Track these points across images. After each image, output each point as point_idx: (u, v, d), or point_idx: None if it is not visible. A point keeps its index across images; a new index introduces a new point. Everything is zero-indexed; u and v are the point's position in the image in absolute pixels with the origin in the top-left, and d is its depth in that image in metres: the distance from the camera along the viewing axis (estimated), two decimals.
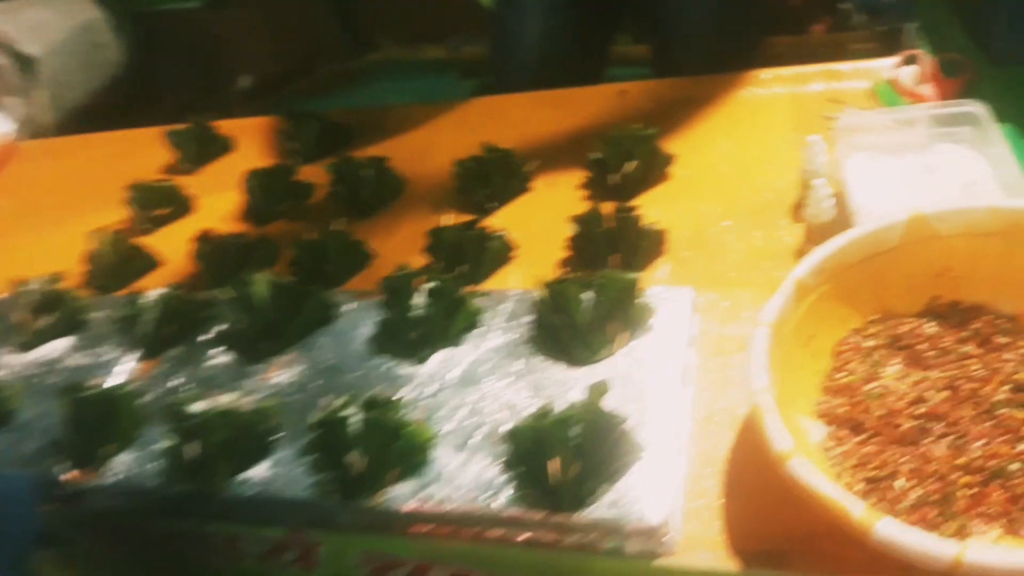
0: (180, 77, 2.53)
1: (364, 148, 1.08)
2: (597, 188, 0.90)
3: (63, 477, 0.73)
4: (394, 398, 0.66)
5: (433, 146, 1.05)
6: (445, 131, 1.07)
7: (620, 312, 0.68)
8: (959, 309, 0.62)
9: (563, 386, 0.66)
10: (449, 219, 0.86)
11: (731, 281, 0.74)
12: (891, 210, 0.70)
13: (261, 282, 0.78)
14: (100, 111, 2.34)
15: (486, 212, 0.92)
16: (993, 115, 0.74)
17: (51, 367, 0.84)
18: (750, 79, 0.98)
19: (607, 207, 0.85)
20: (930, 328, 0.62)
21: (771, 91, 0.96)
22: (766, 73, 0.97)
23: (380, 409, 0.63)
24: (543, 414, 0.59)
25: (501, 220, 0.90)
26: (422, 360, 0.72)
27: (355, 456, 0.62)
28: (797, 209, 0.79)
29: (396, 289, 0.74)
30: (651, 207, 0.85)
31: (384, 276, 0.75)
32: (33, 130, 2.10)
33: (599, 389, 0.60)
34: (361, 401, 0.64)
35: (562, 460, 0.57)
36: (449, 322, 0.73)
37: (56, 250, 1.06)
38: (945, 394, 0.57)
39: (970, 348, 0.59)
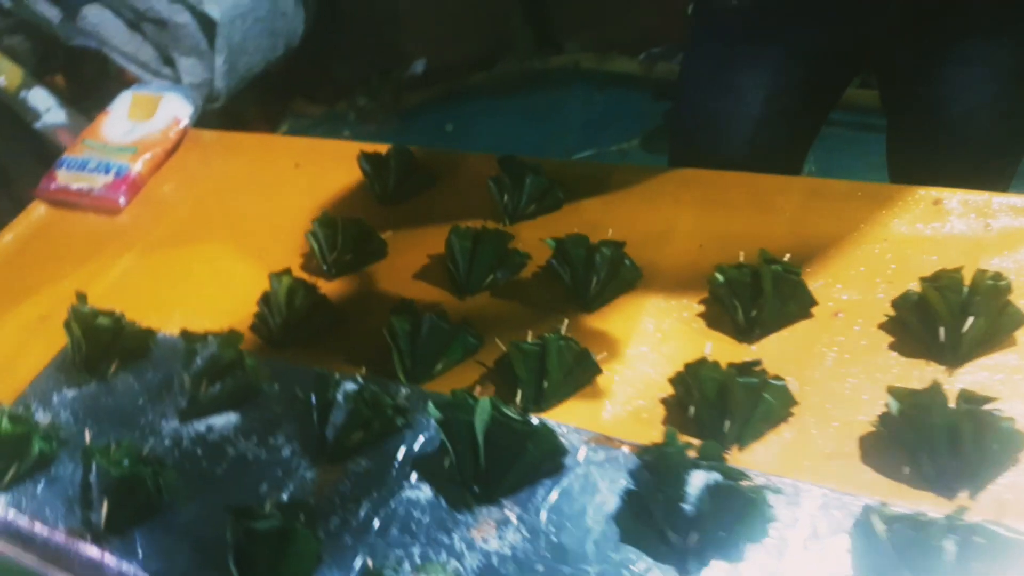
0: (354, 54, 2.43)
1: (580, 212, 0.90)
2: (910, 337, 0.69)
3: None
4: None
5: (671, 228, 0.86)
6: (686, 209, 0.88)
7: None
8: None
9: None
10: (697, 353, 0.68)
11: None
12: None
13: (483, 411, 0.62)
14: (272, 80, 2.27)
15: (749, 339, 0.72)
16: None
17: (215, 453, 0.71)
18: None
19: (937, 375, 0.65)
20: None
21: None
22: None
23: None
24: None
25: (772, 357, 0.70)
26: (686, 574, 0.54)
27: None
28: None
29: (663, 466, 0.56)
30: (990, 381, 0.64)
31: (648, 446, 0.58)
32: (207, 95, 2.04)
33: None
34: None
35: None
36: (731, 525, 0.54)
37: (222, 272, 0.95)
38: None
39: None
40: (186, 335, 0.77)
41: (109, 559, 0.68)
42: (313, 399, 0.70)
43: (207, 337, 0.75)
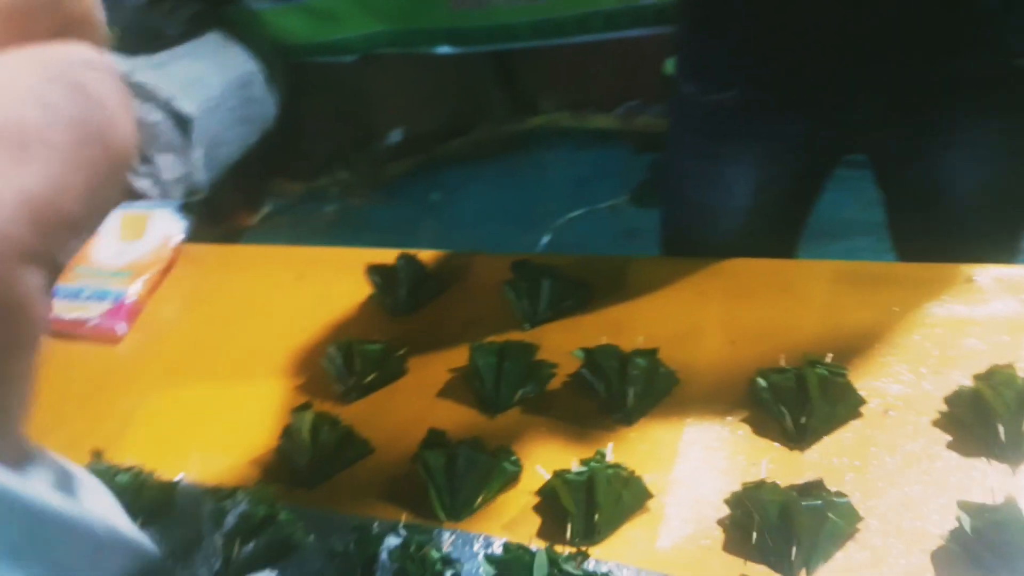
0: (329, 130, 2.42)
1: (603, 312, 0.88)
2: (967, 435, 0.67)
3: None
4: None
5: (699, 324, 0.84)
6: (712, 302, 0.86)
7: None
8: None
9: None
10: (746, 465, 0.65)
11: None
12: None
13: (540, 569, 0.59)
14: (250, 164, 2.25)
15: (800, 446, 0.70)
16: None
17: None
18: None
19: (999, 474, 0.63)
20: None
21: None
22: None
23: None
24: None
25: (828, 464, 0.68)
26: None
27: None
28: None
29: None
30: None
31: None
32: (187, 189, 2.01)
33: None
34: None
35: None
36: None
37: (236, 405, 0.91)
38: None
39: None
40: (214, 492, 0.73)
41: None
42: (355, 554, 0.66)
43: (236, 493, 0.72)
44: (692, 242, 1.08)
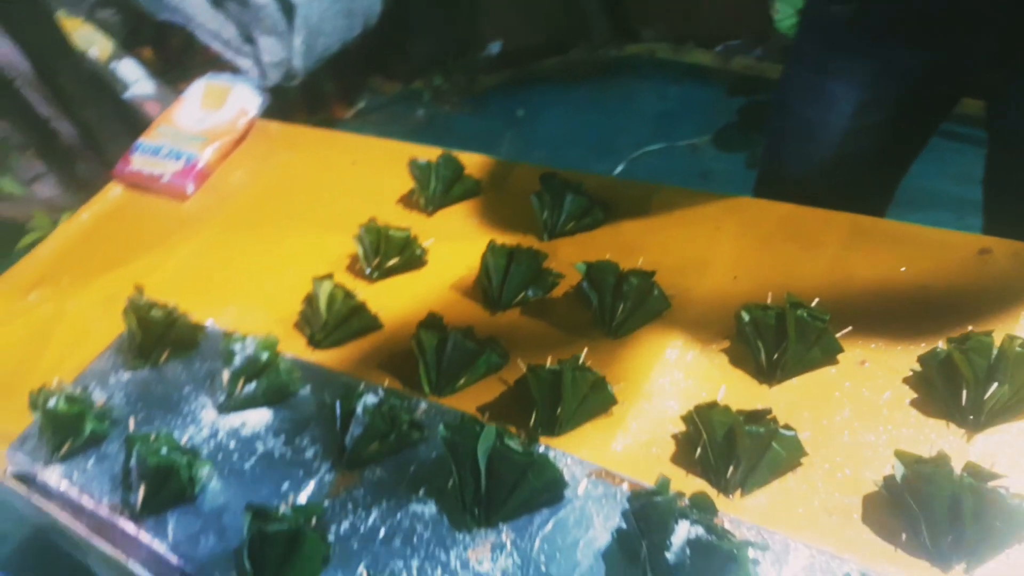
0: (431, 34, 2.46)
1: (619, 233, 0.91)
2: (933, 396, 0.67)
3: None
4: None
5: (708, 256, 0.85)
6: (726, 237, 0.87)
7: None
8: None
9: None
10: (716, 391, 0.68)
11: None
12: None
13: (486, 440, 0.64)
14: (351, 57, 2.32)
15: (769, 381, 0.72)
16: None
17: (246, 448, 0.76)
18: None
19: (956, 437, 0.63)
20: None
21: None
22: None
23: None
24: None
25: (790, 402, 0.70)
26: None
27: None
28: None
29: (650, 514, 0.57)
30: (1007, 449, 0.63)
31: (638, 491, 0.59)
32: (285, 73, 2.10)
33: None
34: None
35: None
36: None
37: (276, 267, 0.99)
38: None
39: None
40: (227, 336, 0.81)
41: (144, 537, 0.73)
42: (338, 407, 0.73)
43: (246, 338, 0.80)
44: (788, 153, 1.08)
